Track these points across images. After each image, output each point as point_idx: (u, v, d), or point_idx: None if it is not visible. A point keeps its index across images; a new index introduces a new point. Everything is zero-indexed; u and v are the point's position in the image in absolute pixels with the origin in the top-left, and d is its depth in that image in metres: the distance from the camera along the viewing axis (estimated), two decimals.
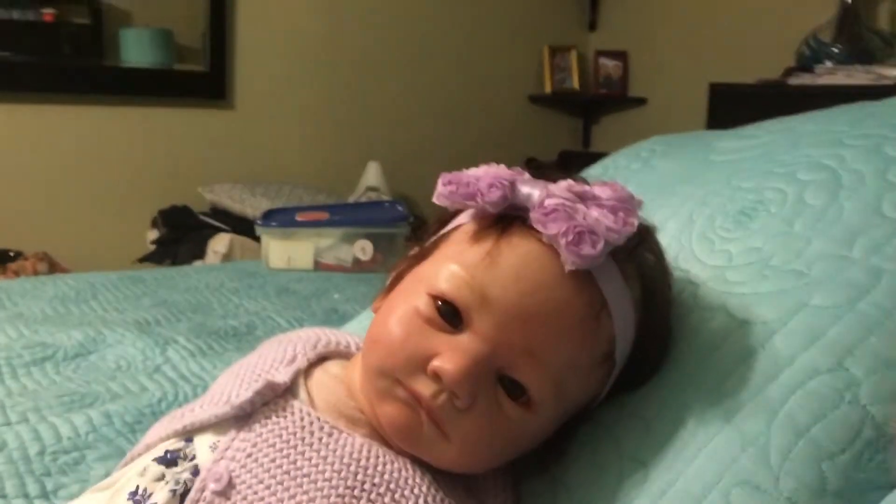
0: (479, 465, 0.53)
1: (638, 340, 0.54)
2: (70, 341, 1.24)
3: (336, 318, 1.46)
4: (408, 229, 1.96)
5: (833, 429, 0.46)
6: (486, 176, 0.52)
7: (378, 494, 0.49)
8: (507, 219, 0.53)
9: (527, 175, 0.54)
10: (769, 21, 2.98)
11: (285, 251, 1.87)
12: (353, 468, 0.50)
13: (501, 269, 0.50)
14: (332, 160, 3.12)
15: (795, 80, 2.53)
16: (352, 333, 0.66)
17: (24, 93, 2.61)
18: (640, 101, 3.50)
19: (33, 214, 2.64)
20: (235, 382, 0.56)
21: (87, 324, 1.35)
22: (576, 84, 3.56)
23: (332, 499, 0.48)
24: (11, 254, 2.45)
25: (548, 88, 3.51)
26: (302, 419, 0.52)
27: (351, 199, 2.90)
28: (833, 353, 0.49)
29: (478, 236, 0.53)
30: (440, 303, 0.51)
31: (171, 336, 1.28)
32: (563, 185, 0.52)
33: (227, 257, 2.45)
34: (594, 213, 0.50)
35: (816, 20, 2.67)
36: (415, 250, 0.59)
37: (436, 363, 0.49)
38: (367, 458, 0.51)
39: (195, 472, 0.51)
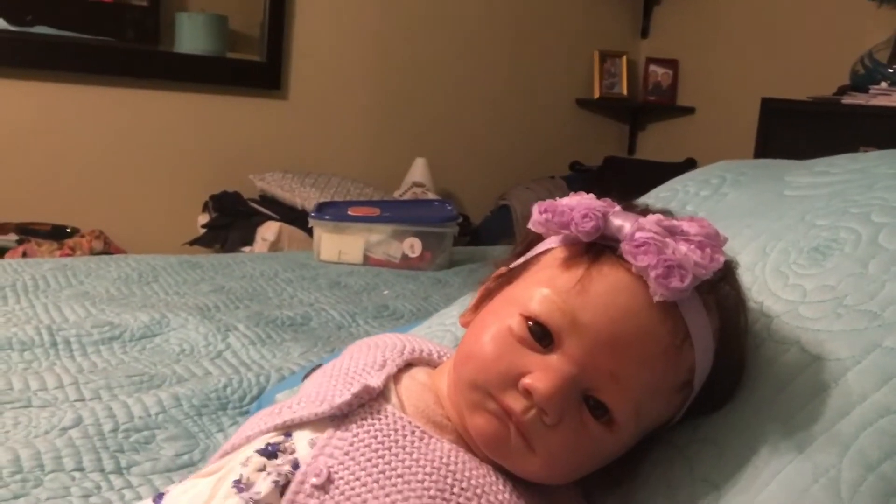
0: (560, 478, 0.56)
1: (714, 368, 0.57)
2: (136, 322, 1.29)
3: (387, 314, 1.50)
4: (456, 229, 1.99)
5: None
6: (580, 206, 0.56)
7: (466, 498, 0.53)
8: (596, 247, 0.56)
9: (617, 207, 0.57)
10: (824, 37, 2.96)
11: (336, 244, 1.91)
12: (443, 472, 0.54)
13: (592, 296, 0.54)
14: (380, 154, 3.16)
15: (849, 100, 2.51)
16: (430, 340, 0.69)
17: (83, 73, 2.67)
18: (689, 111, 3.50)
19: (89, 193, 2.72)
20: (330, 383, 0.60)
21: (151, 306, 1.40)
22: (624, 90, 3.56)
23: (425, 500, 0.52)
24: (68, 230, 2.52)
25: (596, 93, 3.52)
26: (395, 422, 0.56)
27: (396, 194, 2.95)
28: None
29: (568, 263, 0.56)
30: (532, 324, 0.55)
31: (231, 323, 1.32)
32: (652, 220, 0.55)
33: (275, 245, 2.50)
34: (682, 247, 0.53)
35: (873, 40, 2.65)
36: (502, 270, 0.62)
37: (528, 381, 0.53)
38: (456, 463, 0.54)
39: (295, 465, 0.54)
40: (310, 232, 1.98)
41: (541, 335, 0.54)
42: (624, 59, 3.56)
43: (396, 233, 1.93)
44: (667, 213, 0.57)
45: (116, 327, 1.27)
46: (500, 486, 0.55)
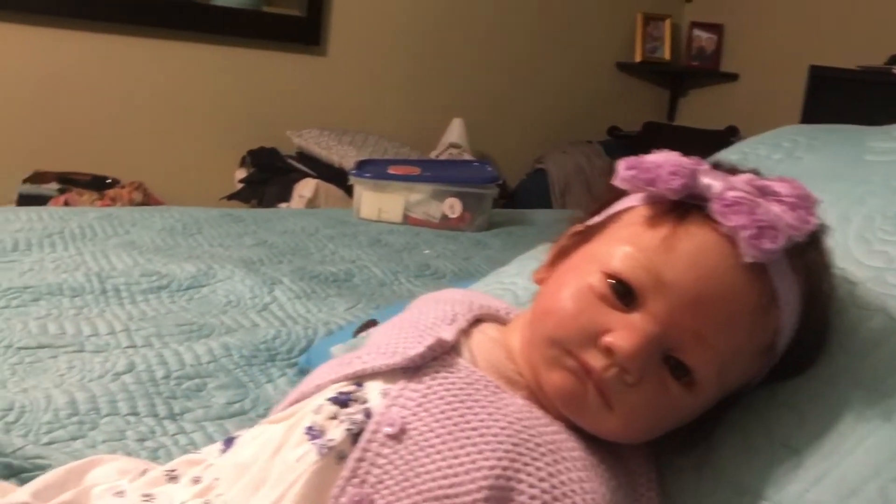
0: (637, 437, 0.56)
1: (798, 333, 0.56)
2: (183, 273, 1.30)
3: (429, 273, 1.50)
4: (496, 191, 1.98)
5: None
6: (667, 163, 0.54)
7: (541, 454, 0.52)
8: (682, 206, 0.55)
9: (706, 165, 0.55)
10: (875, 4, 2.88)
11: (377, 203, 1.90)
12: (517, 427, 0.53)
13: (678, 254, 0.53)
14: (416, 114, 3.14)
15: None
16: (496, 297, 0.69)
17: (121, 24, 2.67)
18: (732, 77, 3.42)
19: (129, 145, 2.73)
20: (401, 335, 0.59)
21: (197, 257, 1.41)
22: (667, 54, 3.50)
23: (499, 454, 0.51)
24: (108, 181, 2.54)
25: (637, 57, 3.46)
26: (469, 375, 0.56)
27: (433, 154, 2.93)
28: None
29: (653, 221, 0.55)
30: (614, 282, 0.54)
31: (276, 277, 1.33)
32: (743, 179, 0.53)
33: (312, 202, 2.50)
34: (775, 208, 0.51)
35: None
36: (579, 227, 0.61)
37: (609, 339, 0.52)
38: (530, 419, 0.54)
39: (367, 414, 0.54)
40: (347, 190, 1.98)
41: (623, 293, 0.53)
42: (668, 22, 3.49)
43: (436, 192, 1.91)
44: (756, 172, 0.56)
45: (164, 277, 1.28)
46: (573, 444, 0.54)
